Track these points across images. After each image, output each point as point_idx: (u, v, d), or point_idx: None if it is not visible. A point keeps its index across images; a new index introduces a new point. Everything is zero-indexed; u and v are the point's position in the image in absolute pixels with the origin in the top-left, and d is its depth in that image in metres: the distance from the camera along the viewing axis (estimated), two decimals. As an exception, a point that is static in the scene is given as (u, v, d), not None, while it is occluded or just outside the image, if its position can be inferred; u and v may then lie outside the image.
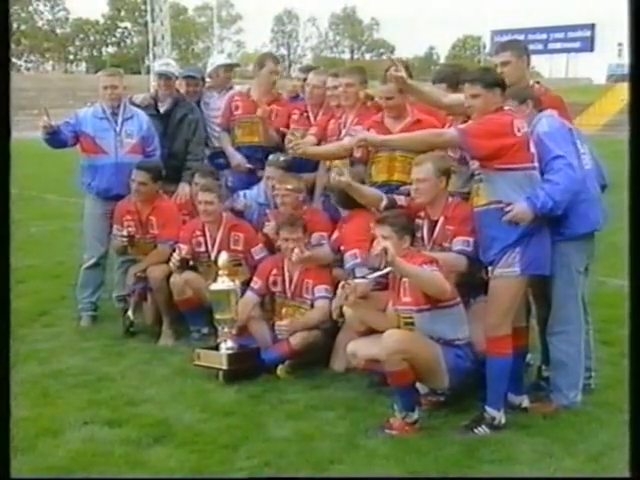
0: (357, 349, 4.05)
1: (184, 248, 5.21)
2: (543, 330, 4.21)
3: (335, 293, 4.56)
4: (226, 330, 4.58)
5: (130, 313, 5.36)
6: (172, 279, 5.15)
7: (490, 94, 3.69)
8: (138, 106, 5.97)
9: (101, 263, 5.80)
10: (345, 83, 5.12)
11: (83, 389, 4.32)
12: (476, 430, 3.66)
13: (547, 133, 3.85)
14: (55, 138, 5.52)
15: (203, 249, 5.29)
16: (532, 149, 3.72)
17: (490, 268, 3.76)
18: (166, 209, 5.54)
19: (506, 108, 3.78)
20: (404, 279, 3.81)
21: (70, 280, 6.33)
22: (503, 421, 3.71)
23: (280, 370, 4.54)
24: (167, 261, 5.20)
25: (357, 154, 4.79)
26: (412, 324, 3.83)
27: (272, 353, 4.64)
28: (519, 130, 3.67)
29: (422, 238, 4.18)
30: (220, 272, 4.61)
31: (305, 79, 5.84)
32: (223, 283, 4.57)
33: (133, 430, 3.72)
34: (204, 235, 5.28)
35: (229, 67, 6.40)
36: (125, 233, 5.42)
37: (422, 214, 4.22)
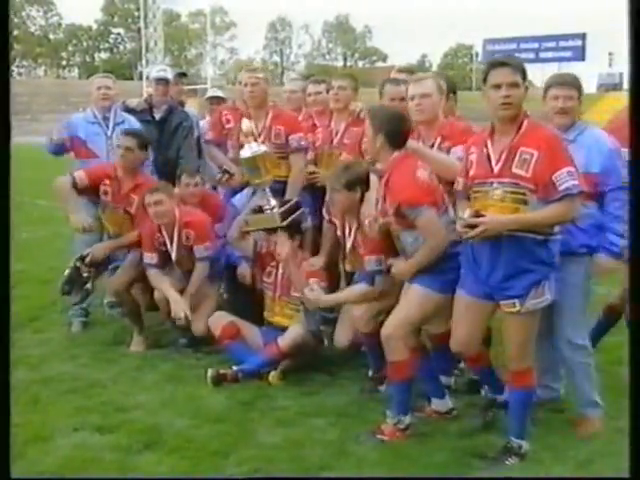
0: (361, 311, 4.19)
1: (152, 256, 5.12)
2: None
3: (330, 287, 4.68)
4: (267, 192, 4.66)
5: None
6: (157, 295, 5.10)
7: (523, 86, 3.28)
8: (133, 110, 6.00)
9: (92, 269, 5.78)
10: (338, 86, 5.17)
11: (73, 395, 4.31)
12: (507, 462, 3.49)
13: (612, 151, 3.71)
14: (57, 148, 5.61)
15: (164, 249, 5.20)
16: None
17: (510, 302, 3.36)
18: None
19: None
20: None
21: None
22: (528, 448, 3.54)
23: (272, 376, 4.54)
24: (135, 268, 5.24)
25: (309, 156, 5.02)
26: None
27: (261, 357, 4.65)
28: None
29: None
30: (246, 140, 4.65)
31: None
32: (251, 149, 4.59)
33: (123, 436, 3.71)
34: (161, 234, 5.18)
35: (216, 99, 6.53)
36: (79, 175, 5.21)
37: None
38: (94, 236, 5.59)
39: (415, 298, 3.70)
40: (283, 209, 4.65)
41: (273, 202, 4.64)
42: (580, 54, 56.59)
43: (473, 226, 3.23)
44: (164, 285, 5.08)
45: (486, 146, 3.38)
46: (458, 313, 3.56)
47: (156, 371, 4.77)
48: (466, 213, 3.29)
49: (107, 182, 5.34)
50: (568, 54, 56.99)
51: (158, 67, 7.10)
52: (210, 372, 4.50)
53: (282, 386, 4.49)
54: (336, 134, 5.23)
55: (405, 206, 3.59)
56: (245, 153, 4.61)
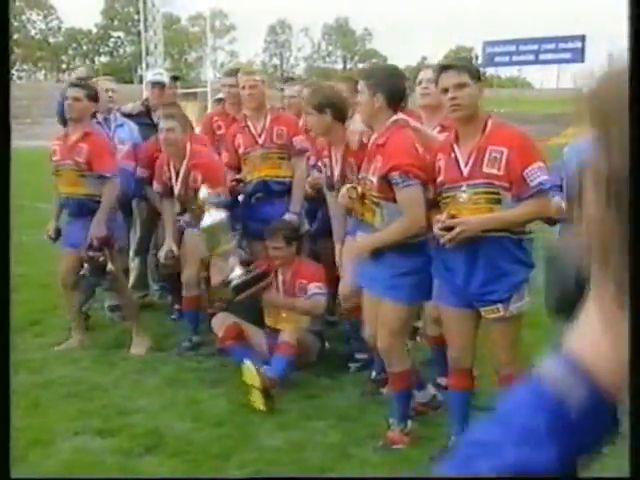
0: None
1: (157, 187, 5.23)
2: None
3: (330, 290, 4.63)
4: (230, 260, 4.65)
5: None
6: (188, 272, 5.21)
7: (475, 86, 3.24)
8: (129, 115, 6.00)
9: (92, 272, 5.77)
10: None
11: (74, 399, 4.31)
12: None
13: None
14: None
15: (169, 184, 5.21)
16: None
17: (493, 307, 3.30)
18: (99, 138, 5.19)
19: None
20: None
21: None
22: None
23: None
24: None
25: (312, 161, 5.01)
26: None
27: (280, 360, 4.49)
28: None
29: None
30: (205, 208, 4.62)
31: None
32: (211, 216, 4.56)
33: (124, 440, 3.72)
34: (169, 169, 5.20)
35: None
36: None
37: None
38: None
39: (389, 313, 3.61)
40: (243, 279, 4.60)
41: (238, 271, 4.59)
42: (580, 56, 56.58)
43: (450, 229, 3.21)
44: (167, 216, 5.29)
45: (453, 150, 3.33)
46: (448, 325, 3.53)
47: (157, 374, 4.77)
48: (443, 216, 3.27)
49: (56, 142, 5.22)
50: (567, 56, 56.97)
51: (154, 71, 7.13)
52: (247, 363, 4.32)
53: (283, 389, 4.48)
54: None
55: (397, 172, 3.39)
56: (205, 222, 4.57)
